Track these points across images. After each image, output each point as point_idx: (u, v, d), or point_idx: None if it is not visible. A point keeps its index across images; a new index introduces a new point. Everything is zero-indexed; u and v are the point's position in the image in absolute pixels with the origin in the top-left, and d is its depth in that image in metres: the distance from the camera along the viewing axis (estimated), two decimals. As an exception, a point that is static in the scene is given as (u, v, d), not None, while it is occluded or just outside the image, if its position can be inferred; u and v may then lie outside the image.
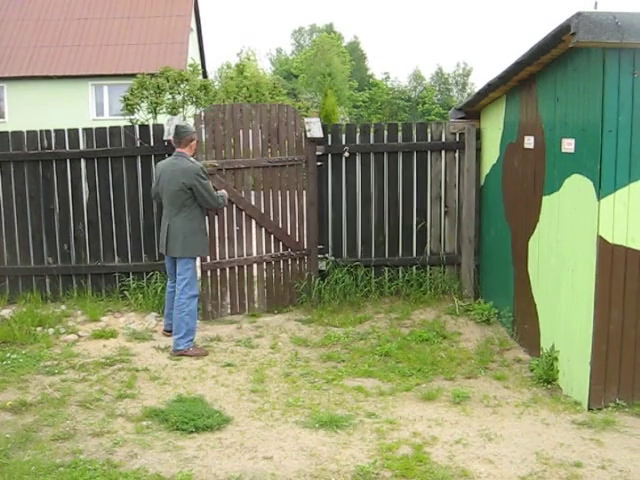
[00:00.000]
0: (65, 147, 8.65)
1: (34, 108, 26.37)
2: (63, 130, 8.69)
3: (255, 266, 8.57)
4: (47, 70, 28.02)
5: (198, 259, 7.81)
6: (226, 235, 8.27)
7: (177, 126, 7.48)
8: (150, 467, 4.86)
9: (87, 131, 8.69)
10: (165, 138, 8.42)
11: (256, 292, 8.62)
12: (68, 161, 8.68)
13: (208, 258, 8.09)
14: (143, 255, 8.78)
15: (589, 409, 5.79)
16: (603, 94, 5.52)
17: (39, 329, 7.78)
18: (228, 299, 8.43)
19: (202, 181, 7.22)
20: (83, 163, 8.68)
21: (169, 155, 8.00)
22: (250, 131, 8.44)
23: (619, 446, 5.15)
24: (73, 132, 8.67)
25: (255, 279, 8.60)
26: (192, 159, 7.37)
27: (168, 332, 7.67)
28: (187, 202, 7.23)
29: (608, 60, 5.48)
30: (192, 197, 7.22)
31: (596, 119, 5.62)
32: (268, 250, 8.60)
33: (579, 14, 5.24)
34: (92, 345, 7.47)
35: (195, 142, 7.47)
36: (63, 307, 8.49)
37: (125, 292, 8.67)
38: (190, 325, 7.27)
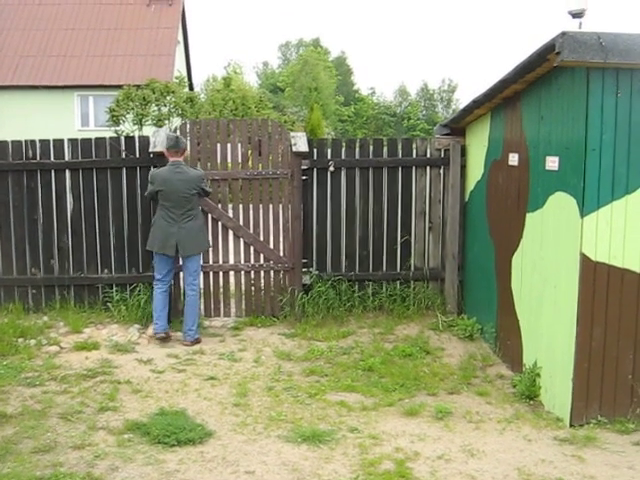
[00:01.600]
0: (50, 157, 8.61)
1: (19, 118, 26.24)
2: (48, 140, 8.65)
3: (232, 274, 8.83)
4: (33, 80, 27.91)
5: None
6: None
7: (177, 137, 8.00)
8: (131, 480, 4.83)
9: (72, 142, 8.66)
10: (151, 150, 8.43)
11: (233, 299, 8.91)
12: (53, 172, 8.64)
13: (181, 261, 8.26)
14: (127, 267, 8.75)
15: (571, 425, 5.81)
16: (587, 113, 5.57)
17: (21, 340, 7.73)
18: (202, 302, 8.74)
19: (205, 182, 8.13)
20: (68, 174, 8.65)
21: (154, 167, 8.17)
22: (228, 145, 8.68)
23: (600, 462, 5.17)
24: (58, 142, 8.64)
25: (232, 287, 8.91)
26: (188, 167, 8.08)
27: (161, 334, 7.89)
28: (195, 204, 7.97)
29: (592, 79, 5.54)
30: (197, 199, 7.98)
31: (580, 137, 5.67)
32: (247, 260, 8.81)
33: (564, 34, 5.30)
34: (74, 357, 7.42)
35: (184, 153, 8.07)
36: (45, 318, 8.44)
37: (108, 304, 8.62)
38: (198, 315, 8.20)
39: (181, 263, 8.15)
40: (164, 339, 7.89)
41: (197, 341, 7.96)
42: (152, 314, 8.08)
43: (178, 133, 8.36)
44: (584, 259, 5.68)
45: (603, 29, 5.37)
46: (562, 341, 5.98)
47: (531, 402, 6.36)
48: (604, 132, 5.59)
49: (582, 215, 5.65)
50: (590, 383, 5.82)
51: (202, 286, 8.65)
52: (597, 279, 5.72)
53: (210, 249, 8.69)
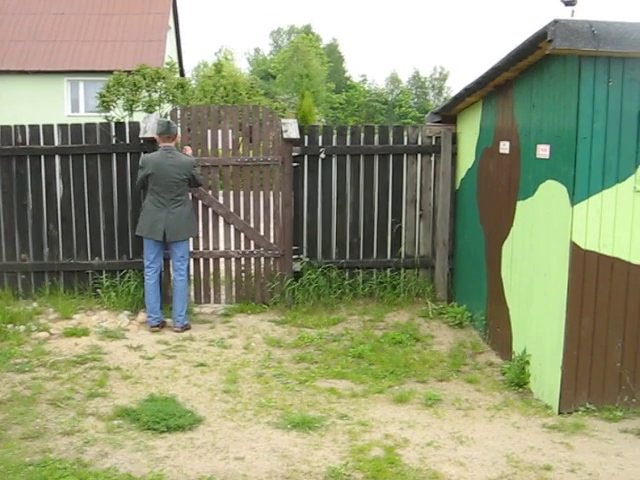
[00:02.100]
0: (39, 143, 8.56)
1: (8, 104, 26.06)
2: (38, 126, 8.60)
3: (222, 261, 8.85)
4: (22, 65, 27.73)
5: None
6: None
7: (168, 122, 8.01)
8: (121, 467, 4.83)
9: (62, 127, 8.61)
10: (141, 136, 8.39)
11: (223, 286, 8.90)
12: (42, 157, 8.59)
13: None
14: (117, 253, 8.72)
15: (559, 413, 5.84)
16: (578, 101, 5.57)
17: (10, 326, 7.70)
18: (191, 288, 8.76)
19: (197, 169, 8.17)
20: (57, 159, 8.60)
21: (144, 152, 8.14)
22: (219, 131, 8.66)
23: (589, 450, 5.20)
24: (48, 128, 8.59)
25: (222, 273, 8.92)
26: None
27: (156, 326, 7.94)
28: (184, 190, 7.97)
29: (584, 68, 5.53)
30: (187, 185, 7.99)
31: (571, 126, 5.67)
32: (237, 247, 8.80)
33: (556, 21, 5.29)
34: (64, 343, 7.41)
35: (176, 135, 8.09)
36: (35, 304, 8.41)
37: (98, 290, 8.60)
38: (187, 301, 8.23)
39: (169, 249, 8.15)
40: (159, 328, 7.93)
41: (187, 327, 7.96)
42: (144, 303, 8.10)
43: (169, 119, 8.32)
44: (574, 247, 5.69)
45: (595, 17, 5.37)
46: (551, 329, 6.00)
47: (520, 390, 6.39)
48: (595, 121, 5.59)
49: (572, 203, 5.65)
50: (579, 371, 5.85)
51: (192, 272, 8.65)
52: (587, 267, 5.73)
53: (200, 235, 8.69)
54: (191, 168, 7.95)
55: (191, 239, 8.40)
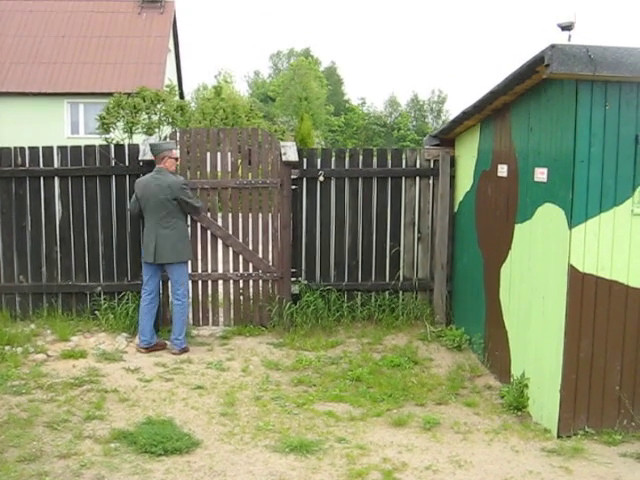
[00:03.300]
0: (39, 165, 8.59)
1: (8, 125, 26.16)
2: (37, 147, 8.63)
3: (221, 283, 8.86)
4: (23, 87, 27.85)
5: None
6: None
7: (150, 144, 8.06)
8: (117, 490, 4.81)
9: (62, 149, 8.64)
10: (140, 158, 8.42)
11: (221, 308, 8.91)
12: (42, 179, 8.62)
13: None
14: (115, 275, 8.72)
15: (558, 437, 5.82)
16: (575, 125, 5.60)
17: (7, 348, 7.68)
18: (190, 311, 8.70)
19: (186, 192, 7.91)
20: (57, 181, 8.62)
21: (144, 175, 8.17)
22: (218, 154, 8.71)
23: (587, 474, 5.18)
24: (47, 150, 8.62)
25: (220, 295, 8.92)
26: (172, 174, 7.94)
27: (145, 349, 7.84)
28: (172, 212, 7.84)
29: (581, 92, 5.57)
30: (177, 208, 7.87)
31: (568, 149, 5.70)
32: (235, 269, 8.79)
33: (553, 46, 5.33)
34: (61, 365, 7.39)
35: (169, 157, 7.93)
36: (32, 326, 8.40)
37: (96, 312, 8.58)
38: (185, 324, 8.08)
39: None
40: (150, 350, 7.90)
41: (185, 350, 7.93)
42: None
43: (160, 140, 8.38)
44: (572, 270, 5.69)
45: (592, 42, 5.41)
46: (550, 352, 5.99)
47: (519, 413, 6.37)
48: (592, 144, 5.62)
49: (570, 226, 5.67)
50: (578, 394, 5.83)
51: (191, 295, 8.61)
52: (585, 290, 5.73)
53: (199, 257, 8.68)
54: (177, 188, 7.80)
55: (190, 262, 8.39)
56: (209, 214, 8.71)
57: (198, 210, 8.19)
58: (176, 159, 8.05)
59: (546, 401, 6.06)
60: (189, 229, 8.43)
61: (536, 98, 6.34)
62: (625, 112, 5.65)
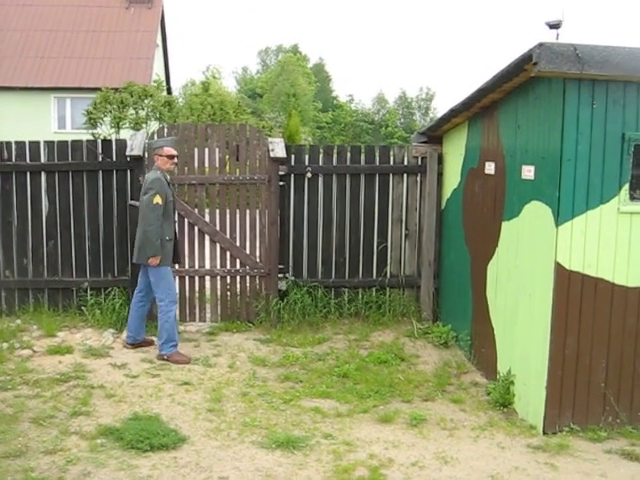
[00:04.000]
0: (26, 159, 8.55)
1: (-5, 119, 26.01)
2: (24, 142, 8.59)
3: (208, 279, 8.82)
4: (9, 81, 27.63)
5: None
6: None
7: (148, 142, 8.02)
8: (103, 486, 4.80)
9: (49, 144, 8.60)
10: (128, 153, 8.39)
11: (208, 304, 8.89)
12: (28, 174, 8.57)
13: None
14: (102, 271, 8.69)
15: (544, 433, 5.85)
16: (563, 123, 5.63)
17: (-7, 343, 7.66)
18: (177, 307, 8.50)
19: (148, 191, 7.41)
20: (44, 176, 8.59)
21: (131, 170, 8.24)
22: (206, 149, 8.66)
23: (573, 470, 5.21)
24: (34, 145, 8.58)
25: (208, 291, 8.89)
26: (156, 170, 7.61)
27: (130, 345, 7.82)
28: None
29: (568, 90, 5.59)
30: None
31: (555, 147, 5.72)
32: (223, 265, 8.81)
33: (541, 44, 5.35)
34: (47, 361, 7.36)
35: (159, 155, 7.62)
36: (18, 321, 8.36)
37: (82, 308, 8.55)
38: (169, 331, 7.50)
39: None
40: (135, 346, 7.84)
41: (164, 358, 7.50)
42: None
43: (165, 136, 8.34)
44: (558, 268, 5.72)
45: (580, 41, 5.43)
46: (536, 349, 6.02)
47: (505, 410, 6.39)
48: (579, 142, 5.64)
49: (557, 224, 5.69)
50: (563, 391, 5.86)
51: (178, 291, 8.46)
52: (571, 288, 5.76)
53: (186, 253, 8.64)
54: (144, 186, 7.52)
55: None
56: (196, 210, 8.70)
57: (145, 218, 7.42)
58: (168, 157, 7.59)
59: (532, 398, 6.09)
60: (176, 225, 8.09)
61: (524, 96, 6.36)
62: (612, 111, 5.68)
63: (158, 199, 7.36)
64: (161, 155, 7.61)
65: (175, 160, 7.74)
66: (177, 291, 8.22)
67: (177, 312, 7.89)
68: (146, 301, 7.86)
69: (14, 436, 5.52)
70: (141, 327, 7.91)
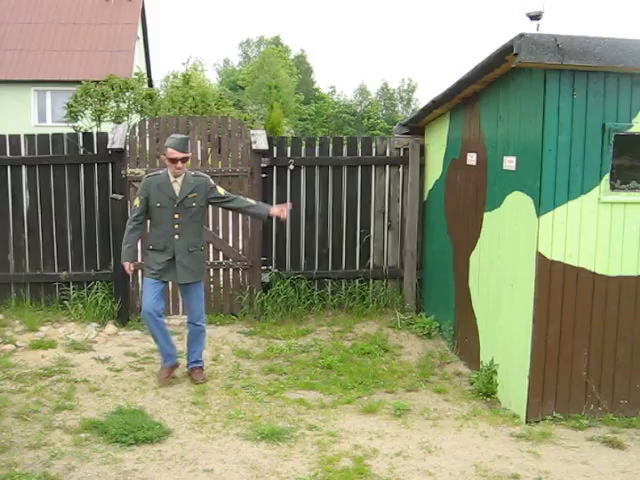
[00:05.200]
0: (6, 153, 8.47)
1: (-27, 113, 25.80)
2: (4, 136, 8.51)
3: None
4: (-12, 74, 27.48)
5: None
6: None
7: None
8: (88, 480, 4.79)
9: (29, 137, 8.53)
10: (109, 147, 8.34)
11: None
12: (9, 168, 8.50)
13: (139, 259, 7.67)
14: (84, 265, 8.65)
15: (527, 422, 5.90)
16: (544, 114, 5.65)
17: (-25, 339, 7.61)
18: None
19: (139, 191, 6.83)
20: (24, 170, 8.52)
21: (112, 163, 8.19)
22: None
23: (555, 458, 5.26)
24: (14, 138, 8.51)
25: None
26: (165, 171, 6.70)
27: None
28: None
29: (549, 81, 5.61)
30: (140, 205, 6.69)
31: (537, 138, 5.75)
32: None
33: (522, 35, 5.36)
34: (30, 355, 7.32)
35: (164, 155, 6.64)
36: (0, 316, 8.31)
37: (65, 302, 8.52)
38: (159, 343, 6.82)
39: None
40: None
41: (161, 377, 6.78)
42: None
43: (177, 135, 7.67)
44: (540, 258, 5.76)
45: (560, 31, 5.46)
46: (518, 339, 6.06)
47: (488, 399, 6.44)
48: (560, 133, 5.67)
49: (538, 214, 5.73)
50: (546, 380, 5.91)
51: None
52: (553, 278, 5.80)
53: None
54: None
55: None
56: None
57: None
58: (171, 160, 6.52)
59: (514, 387, 6.13)
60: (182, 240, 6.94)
61: (505, 87, 6.38)
62: (592, 101, 5.70)
63: (136, 201, 6.77)
64: (165, 156, 6.66)
65: (178, 164, 6.53)
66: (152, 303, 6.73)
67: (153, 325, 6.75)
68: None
69: (-3, 431, 5.50)
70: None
